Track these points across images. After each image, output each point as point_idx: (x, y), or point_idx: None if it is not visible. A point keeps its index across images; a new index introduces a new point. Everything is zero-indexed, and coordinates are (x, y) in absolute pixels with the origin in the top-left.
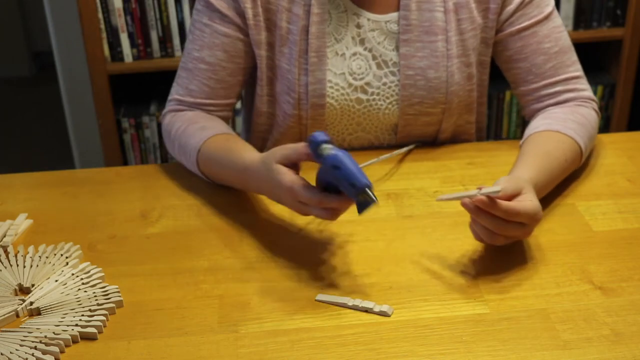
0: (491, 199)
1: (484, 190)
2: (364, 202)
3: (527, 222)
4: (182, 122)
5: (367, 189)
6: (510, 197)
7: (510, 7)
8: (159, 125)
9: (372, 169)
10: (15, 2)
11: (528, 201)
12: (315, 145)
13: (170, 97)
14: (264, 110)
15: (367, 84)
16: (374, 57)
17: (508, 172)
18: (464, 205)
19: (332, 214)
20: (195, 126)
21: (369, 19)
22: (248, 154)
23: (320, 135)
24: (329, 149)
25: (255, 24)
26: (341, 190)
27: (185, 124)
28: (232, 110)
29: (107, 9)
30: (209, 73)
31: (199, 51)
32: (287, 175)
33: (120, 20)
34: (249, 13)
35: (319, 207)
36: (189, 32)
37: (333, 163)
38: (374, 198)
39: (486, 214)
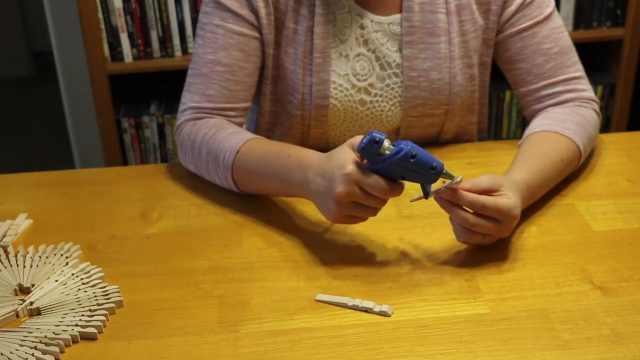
0: (454, 190)
1: (447, 183)
2: (429, 186)
3: (499, 218)
4: (208, 128)
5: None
6: (486, 192)
7: (511, 9)
8: (159, 125)
9: None
10: (15, 2)
11: (503, 197)
12: (378, 145)
13: (183, 107)
14: (268, 109)
15: (370, 85)
16: (377, 59)
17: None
18: (436, 200)
19: (382, 203)
20: (225, 131)
21: (372, 21)
22: (303, 149)
23: (380, 134)
24: (391, 144)
25: (267, 24)
26: (410, 180)
27: (212, 130)
28: (246, 116)
29: (107, 9)
30: (227, 75)
31: (213, 54)
32: (353, 155)
33: (120, 20)
34: (262, 12)
35: (374, 194)
36: (197, 36)
37: (410, 152)
38: (454, 175)
39: (457, 207)
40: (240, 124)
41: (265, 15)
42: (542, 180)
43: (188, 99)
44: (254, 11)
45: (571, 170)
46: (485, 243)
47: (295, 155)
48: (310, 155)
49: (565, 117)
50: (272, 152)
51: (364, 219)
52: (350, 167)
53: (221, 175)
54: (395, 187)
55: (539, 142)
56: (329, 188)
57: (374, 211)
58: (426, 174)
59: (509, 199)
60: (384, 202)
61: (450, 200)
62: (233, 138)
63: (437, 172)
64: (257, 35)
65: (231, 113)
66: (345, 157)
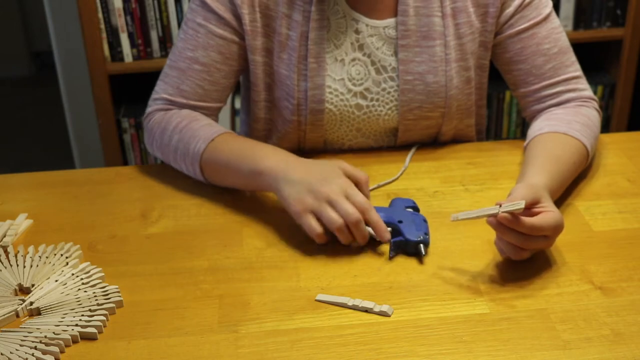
0: (515, 216)
1: (505, 207)
2: (396, 251)
3: (550, 234)
4: (181, 117)
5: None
6: (529, 208)
7: (509, 10)
8: None
9: (373, 170)
10: (15, 2)
11: (550, 212)
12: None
13: (156, 95)
14: (262, 117)
15: (366, 89)
16: (373, 63)
17: (510, 174)
18: (489, 223)
19: (360, 229)
20: (199, 123)
21: (367, 25)
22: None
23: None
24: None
25: (252, 30)
26: (398, 229)
27: (186, 120)
28: (218, 116)
29: (107, 9)
30: (203, 74)
31: (192, 51)
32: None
33: (120, 20)
34: (246, 18)
35: (359, 211)
36: (181, 30)
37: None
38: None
39: (511, 230)
40: None
41: (250, 21)
42: (560, 184)
43: (162, 89)
44: (237, 16)
45: (580, 171)
46: (530, 255)
47: (281, 151)
48: (284, 153)
49: (570, 117)
50: (249, 142)
51: (324, 224)
52: (344, 167)
53: (189, 163)
54: (381, 228)
55: (550, 144)
56: (324, 178)
57: (338, 224)
58: (409, 234)
59: (554, 212)
60: (353, 218)
61: (508, 225)
62: (209, 129)
63: (417, 242)
64: (238, 40)
65: (203, 111)
66: (338, 167)
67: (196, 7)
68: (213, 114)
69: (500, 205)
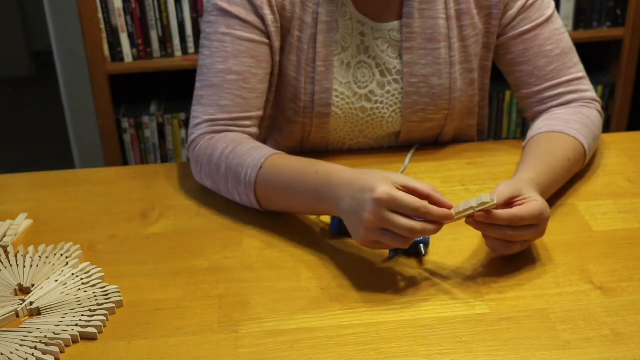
0: (490, 211)
1: (479, 207)
2: (396, 251)
3: (535, 222)
4: (226, 143)
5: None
6: (510, 201)
7: (512, 12)
8: (159, 125)
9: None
10: (15, 2)
11: (531, 201)
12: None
13: (197, 121)
14: (268, 114)
15: (371, 92)
16: (378, 65)
17: (510, 174)
18: (468, 224)
19: (411, 232)
20: (245, 146)
21: (372, 28)
22: (331, 165)
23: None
24: None
25: (274, 31)
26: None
27: (232, 145)
28: (258, 125)
29: (107, 9)
30: (240, 83)
31: (223, 63)
32: (386, 175)
33: (120, 20)
34: (268, 19)
35: (405, 221)
36: (203, 47)
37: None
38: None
39: (492, 226)
40: (254, 134)
41: (272, 22)
42: (551, 180)
43: (201, 112)
44: (261, 17)
45: (577, 170)
46: (523, 249)
47: (323, 172)
48: (340, 173)
49: (569, 117)
50: (298, 169)
51: (392, 247)
52: (381, 190)
53: (242, 192)
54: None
55: (545, 142)
56: (357, 211)
57: (404, 241)
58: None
59: (537, 201)
60: (413, 231)
61: (486, 222)
62: (255, 153)
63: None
64: (266, 40)
65: (247, 122)
66: (376, 179)
67: (215, 18)
68: (255, 124)
69: (475, 207)
